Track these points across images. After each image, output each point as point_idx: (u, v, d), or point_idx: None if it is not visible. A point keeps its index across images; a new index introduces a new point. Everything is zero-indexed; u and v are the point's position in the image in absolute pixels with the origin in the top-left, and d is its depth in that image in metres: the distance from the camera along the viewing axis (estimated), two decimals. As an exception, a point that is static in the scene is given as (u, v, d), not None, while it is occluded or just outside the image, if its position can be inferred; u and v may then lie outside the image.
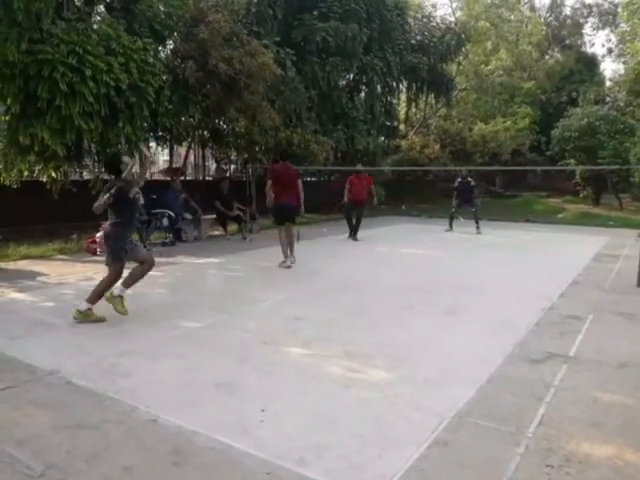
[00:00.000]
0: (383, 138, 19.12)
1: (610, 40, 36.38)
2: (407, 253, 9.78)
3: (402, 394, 3.34)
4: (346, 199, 11.17)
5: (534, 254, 9.60)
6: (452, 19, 22.20)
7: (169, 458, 2.56)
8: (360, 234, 11.19)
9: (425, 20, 19.69)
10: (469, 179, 12.73)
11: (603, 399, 3.30)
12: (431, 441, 2.76)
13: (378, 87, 17.48)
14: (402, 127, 22.44)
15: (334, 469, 2.48)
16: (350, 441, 2.75)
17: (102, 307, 4.89)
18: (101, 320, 4.84)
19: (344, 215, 11.70)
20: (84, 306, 4.85)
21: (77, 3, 9.10)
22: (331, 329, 4.74)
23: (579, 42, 37.09)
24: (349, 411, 3.11)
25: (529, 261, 8.86)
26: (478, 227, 12.38)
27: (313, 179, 19.03)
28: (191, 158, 16.11)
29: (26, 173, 8.95)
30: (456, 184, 12.75)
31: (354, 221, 11.15)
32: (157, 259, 8.28)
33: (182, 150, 15.68)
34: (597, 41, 50.39)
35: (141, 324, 4.88)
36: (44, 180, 9.30)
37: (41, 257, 8.28)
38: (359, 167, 11.78)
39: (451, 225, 12.85)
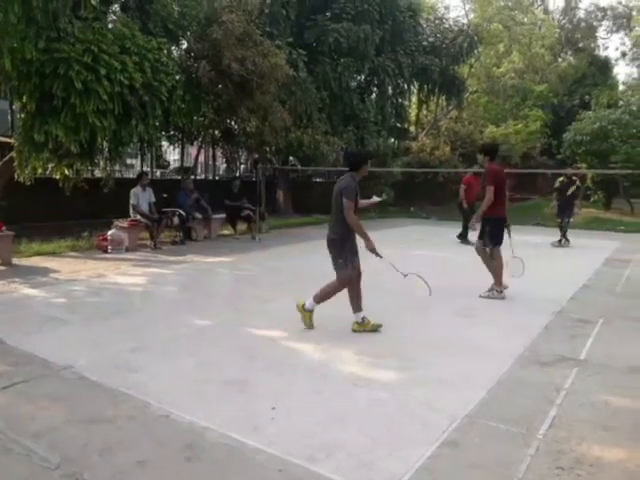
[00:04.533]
0: (393, 139, 19.10)
1: (624, 44, 36.21)
2: (416, 255, 9.74)
3: (413, 394, 3.35)
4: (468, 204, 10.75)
5: (544, 258, 9.54)
6: (465, 21, 22.08)
7: (182, 453, 2.59)
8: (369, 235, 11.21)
9: (437, 22, 19.64)
10: (574, 178, 11.01)
11: (613, 403, 3.29)
12: (442, 441, 2.77)
13: (389, 88, 17.47)
14: (412, 129, 22.37)
15: (345, 467, 2.50)
16: (360, 440, 2.77)
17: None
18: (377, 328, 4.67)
19: (467, 216, 10.78)
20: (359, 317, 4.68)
21: (93, 2, 9.17)
22: (341, 329, 4.75)
23: (592, 45, 36.84)
24: (359, 410, 3.12)
25: (539, 265, 8.78)
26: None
27: (326, 180, 19.06)
28: (201, 158, 16.19)
29: (39, 170, 9.02)
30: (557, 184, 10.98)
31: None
32: (167, 257, 8.40)
33: (192, 150, 15.75)
34: (611, 44, 49.98)
35: (152, 321, 4.93)
36: (57, 177, 9.39)
37: (53, 254, 8.37)
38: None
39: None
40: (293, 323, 4.90)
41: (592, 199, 23.12)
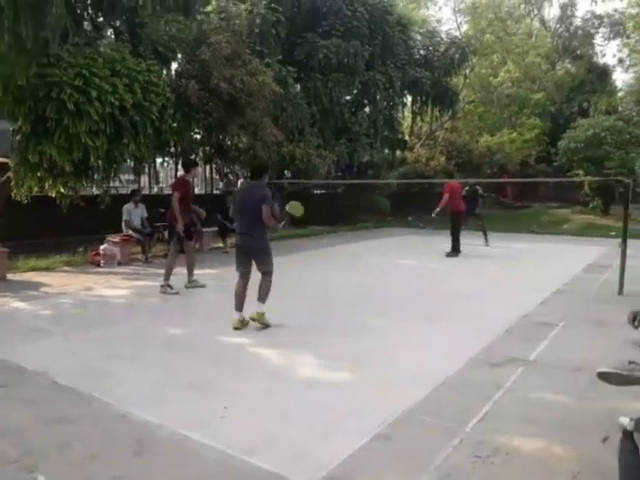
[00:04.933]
0: (387, 151, 19.41)
1: (621, 50, 36.42)
2: (402, 264, 9.99)
3: (359, 393, 3.59)
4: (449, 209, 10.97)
5: (527, 265, 9.73)
6: (457, 34, 22.44)
7: (131, 448, 2.84)
8: (360, 245, 11.49)
9: (429, 35, 19.99)
10: (477, 187, 12.32)
11: (547, 399, 3.50)
12: (375, 434, 2.99)
13: (384, 102, 17.77)
14: (408, 140, 22.67)
15: (278, 457, 2.74)
16: (299, 433, 3.00)
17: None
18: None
19: (456, 227, 11.04)
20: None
21: (85, 28, 9.60)
22: (309, 335, 4.99)
23: (590, 52, 37.08)
24: (305, 408, 3.36)
25: (520, 272, 9.00)
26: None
27: (322, 192, 19.35)
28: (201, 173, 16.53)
29: (35, 189, 9.38)
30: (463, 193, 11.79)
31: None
32: (156, 270, 8.66)
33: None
34: (608, 51, 50.27)
35: (130, 331, 5.20)
36: (53, 195, 9.73)
37: (47, 269, 8.67)
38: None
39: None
40: (265, 330, 5.15)
41: (590, 205, 23.23)
